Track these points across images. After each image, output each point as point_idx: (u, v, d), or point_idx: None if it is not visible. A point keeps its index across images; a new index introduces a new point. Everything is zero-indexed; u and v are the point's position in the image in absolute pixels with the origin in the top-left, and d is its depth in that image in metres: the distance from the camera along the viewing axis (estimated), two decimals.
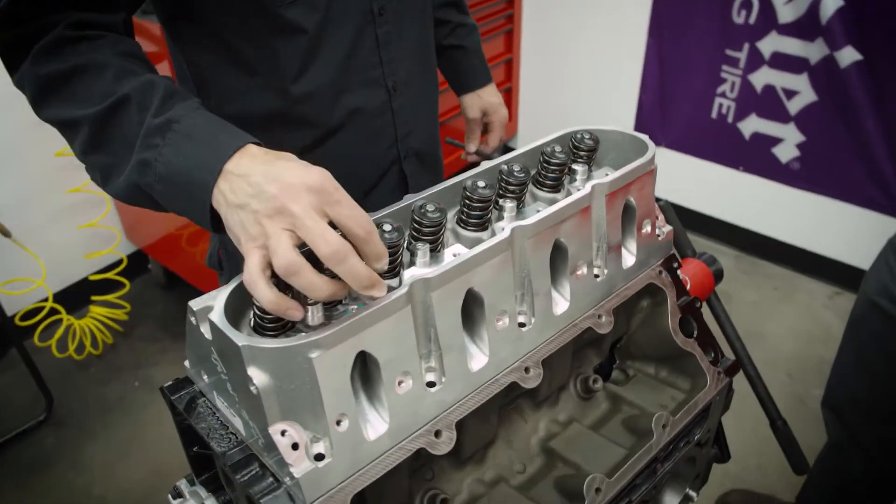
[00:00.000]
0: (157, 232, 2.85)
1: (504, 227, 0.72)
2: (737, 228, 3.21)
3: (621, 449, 0.86)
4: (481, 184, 0.79)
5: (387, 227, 0.69)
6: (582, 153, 0.92)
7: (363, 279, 0.63)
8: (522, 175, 0.83)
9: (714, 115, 3.01)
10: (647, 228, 0.91)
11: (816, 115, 2.73)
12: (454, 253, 0.76)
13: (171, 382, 0.76)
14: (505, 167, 0.83)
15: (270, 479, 0.65)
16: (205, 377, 0.71)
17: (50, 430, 2.43)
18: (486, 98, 1.48)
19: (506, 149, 3.92)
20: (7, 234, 2.35)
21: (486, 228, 0.81)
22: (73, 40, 0.82)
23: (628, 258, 0.90)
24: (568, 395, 0.94)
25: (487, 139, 1.53)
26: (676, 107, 3.12)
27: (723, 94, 2.95)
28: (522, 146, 0.92)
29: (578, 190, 0.89)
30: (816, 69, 2.64)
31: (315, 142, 1.08)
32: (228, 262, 1.21)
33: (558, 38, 3.42)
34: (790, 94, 2.75)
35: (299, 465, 0.61)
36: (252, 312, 0.66)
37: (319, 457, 0.62)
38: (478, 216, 0.80)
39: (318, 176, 0.65)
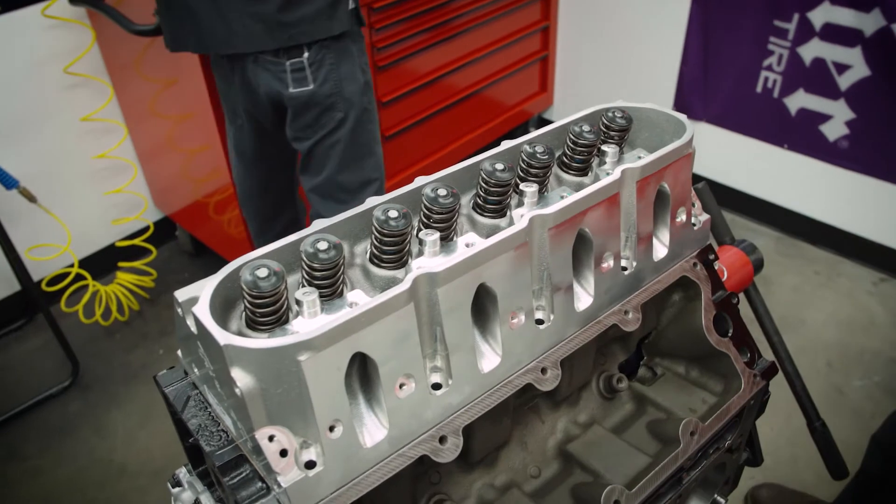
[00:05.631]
0: (184, 199, 2.83)
1: (522, 215, 0.66)
2: (778, 209, 3.08)
3: (645, 456, 0.79)
4: (500, 166, 0.72)
5: (392, 214, 0.64)
6: (613, 133, 0.84)
7: None
8: (546, 157, 0.76)
9: (759, 89, 2.87)
10: (682, 217, 0.84)
11: (869, 92, 2.58)
12: (467, 243, 0.70)
13: (164, 371, 0.72)
14: (527, 148, 0.76)
15: (259, 483, 0.60)
16: (195, 370, 0.66)
17: (75, 395, 2.45)
18: None
19: (540, 122, 3.79)
20: (32, 199, 2.34)
21: (504, 215, 0.75)
22: None
23: (660, 249, 0.83)
24: (590, 393, 0.88)
25: None
26: (719, 80, 2.99)
27: (769, 68, 2.81)
28: (555, 120, 0.84)
29: (608, 174, 0.82)
30: (871, 42, 2.49)
31: None
32: None
33: (597, 4, 3.29)
34: (841, 68, 2.61)
35: (287, 474, 0.56)
36: (243, 304, 0.61)
37: (310, 464, 0.57)
38: (495, 202, 0.73)
39: None
